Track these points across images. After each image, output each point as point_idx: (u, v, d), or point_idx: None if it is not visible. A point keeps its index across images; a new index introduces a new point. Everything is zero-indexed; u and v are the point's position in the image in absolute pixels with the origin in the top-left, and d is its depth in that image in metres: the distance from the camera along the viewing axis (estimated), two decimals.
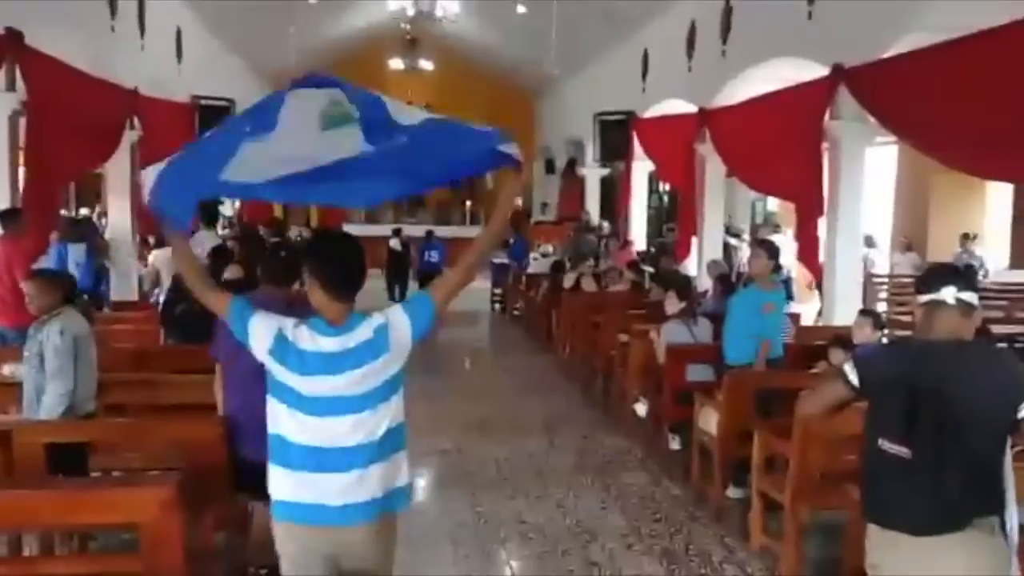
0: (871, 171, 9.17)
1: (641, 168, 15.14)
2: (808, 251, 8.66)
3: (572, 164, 20.51)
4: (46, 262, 7.87)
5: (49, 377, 4.30)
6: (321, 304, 2.86)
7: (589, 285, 11.45)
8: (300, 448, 2.80)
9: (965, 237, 13.22)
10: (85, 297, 9.35)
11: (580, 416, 8.34)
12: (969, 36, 6.29)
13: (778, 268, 6.83)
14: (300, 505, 2.83)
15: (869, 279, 12.53)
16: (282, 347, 2.79)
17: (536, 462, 6.81)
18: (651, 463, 6.80)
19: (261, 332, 2.83)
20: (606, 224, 16.36)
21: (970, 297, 2.85)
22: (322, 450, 2.79)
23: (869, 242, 13.25)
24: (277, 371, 2.82)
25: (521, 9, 16.10)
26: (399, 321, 2.86)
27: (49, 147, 8.00)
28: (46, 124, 7.92)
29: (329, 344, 2.79)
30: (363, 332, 2.81)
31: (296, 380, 2.79)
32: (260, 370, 3.91)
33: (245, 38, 16.29)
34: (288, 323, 2.83)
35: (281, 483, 2.85)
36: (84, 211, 14.30)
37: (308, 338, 2.80)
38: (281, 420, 2.84)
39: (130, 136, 10.71)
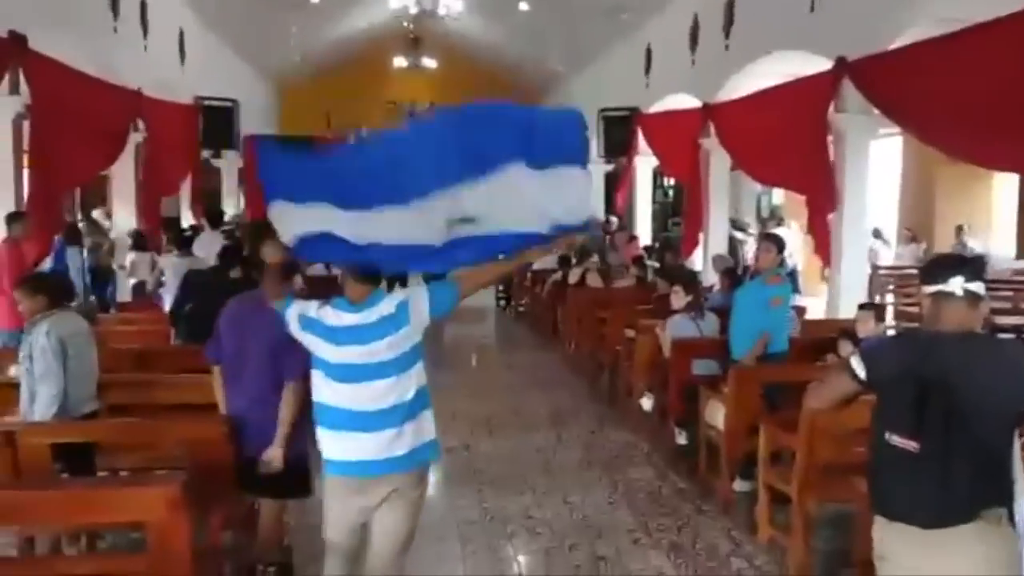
0: (876, 163, 9.13)
1: (646, 163, 15.12)
2: (823, 244, 8.60)
3: None
4: (47, 265, 7.89)
5: (38, 379, 4.30)
6: (347, 284, 3.30)
7: (594, 281, 11.45)
8: (340, 411, 3.23)
9: (959, 229, 13.23)
10: (93, 299, 9.42)
11: (586, 411, 8.34)
12: (972, 27, 6.27)
13: (783, 262, 6.81)
14: (347, 462, 3.26)
15: (875, 271, 12.52)
16: (308, 324, 3.27)
17: (543, 458, 6.81)
18: (657, 457, 6.79)
19: (292, 318, 3.32)
20: (614, 219, 16.34)
21: (977, 287, 2.83)
22: (361, 413, 3.20)
23: (877, 234, 13.24)
24: (310, 344, 3.29)
25: (524, 6, 16.08)
26: (419, 297, 3.26)
27: (54, 150, 8.00)
28: (51, 127, 7.92)
29: (351, 319, 3.22)
30: (384, 307, 3.23)
31: (326, 350, 3.24)
32: (266, 369, 3.99)
33: (247, 38, 16.30)
34: (311, 305, 3.30)
35: (328, 443, 3.29)
36: (96, 212, 14.34)
37: (333, 315, 3.24)
38: (320, 388, 3.29)
39: (134, 138, 10.72)
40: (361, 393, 3.20)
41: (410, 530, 3.40)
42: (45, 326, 4.32)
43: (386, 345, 3.19)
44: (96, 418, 4.58)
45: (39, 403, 4.30)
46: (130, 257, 10.80)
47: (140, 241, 10.84)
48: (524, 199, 3.14)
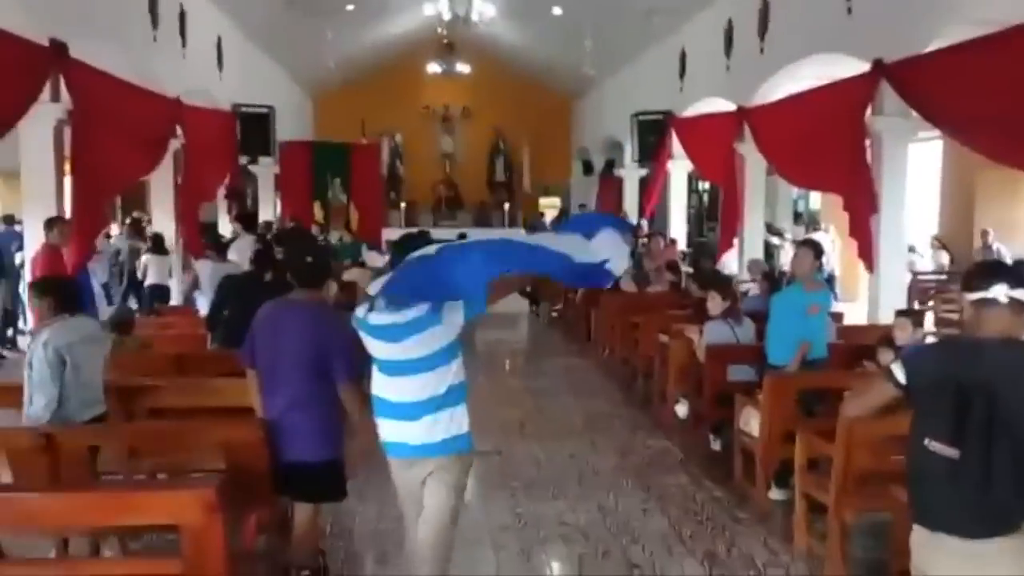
0: (915, 168, 9.00)
1: (680, 167, 15.04)
2: (866, 248, 8.47)
3: (610, 165, 20.38)
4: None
5: (34, 386, 4.35)
6: None
7: (628, 286, 11.38)
8: (387, 402, 3.66)
9: (984, 233, 13.05)
10: (135, 307, 9.59)
11: (620, 417, 8.29)
12: (1012, 28, 6.18)
13: (820, 267, 6.74)
14: (396, 444, 3.70)
15: (914, 277, 12.36)
16: (358, 323, 3.68)
17: (576, 464, 6.78)
18: (692, 464, 6.73)
19: (354, 319, 3.72)
20: (645, 223, 16.26)
21: (1021, 294, 2.79)
22: (402, 404, 3.61)
23: (911, 249, 13.08)
24: (364, 341, 3.69)
25: (557, 11, 16.06)
26: (454, 302, 3.52)
27: (96, 157, 8.11)
28: (92, 134, 8.02)
29: (389, 318, 3.55)
30: (419, 309, 3.51)
31: (373, 346, 3.66)
32: (302, 372, 4.04)
33: (284, 45, 16.47)
34: (363, 308, 3.67)
35: (383, 429, 3.73)
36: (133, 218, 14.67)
37: (375, 315, 3.60)
38: (376, 381, 3.72)
39: (172, 144, 10.85)
40: (402, 385, 3.59)
41: (453, 504, 3.75)
42: (45, 335, 4.36)
43: (417, 343, 3.51)
44: (101, 422, 4.62)
45: (33, 409, 4.37)
46: (144, 259, 11.08)
47: (159, 244, 11.07)
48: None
